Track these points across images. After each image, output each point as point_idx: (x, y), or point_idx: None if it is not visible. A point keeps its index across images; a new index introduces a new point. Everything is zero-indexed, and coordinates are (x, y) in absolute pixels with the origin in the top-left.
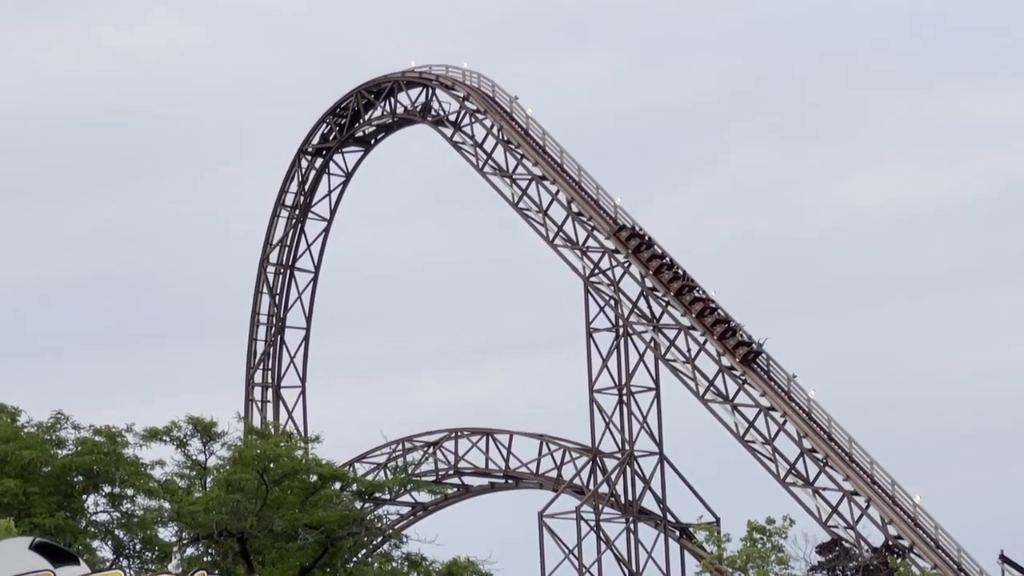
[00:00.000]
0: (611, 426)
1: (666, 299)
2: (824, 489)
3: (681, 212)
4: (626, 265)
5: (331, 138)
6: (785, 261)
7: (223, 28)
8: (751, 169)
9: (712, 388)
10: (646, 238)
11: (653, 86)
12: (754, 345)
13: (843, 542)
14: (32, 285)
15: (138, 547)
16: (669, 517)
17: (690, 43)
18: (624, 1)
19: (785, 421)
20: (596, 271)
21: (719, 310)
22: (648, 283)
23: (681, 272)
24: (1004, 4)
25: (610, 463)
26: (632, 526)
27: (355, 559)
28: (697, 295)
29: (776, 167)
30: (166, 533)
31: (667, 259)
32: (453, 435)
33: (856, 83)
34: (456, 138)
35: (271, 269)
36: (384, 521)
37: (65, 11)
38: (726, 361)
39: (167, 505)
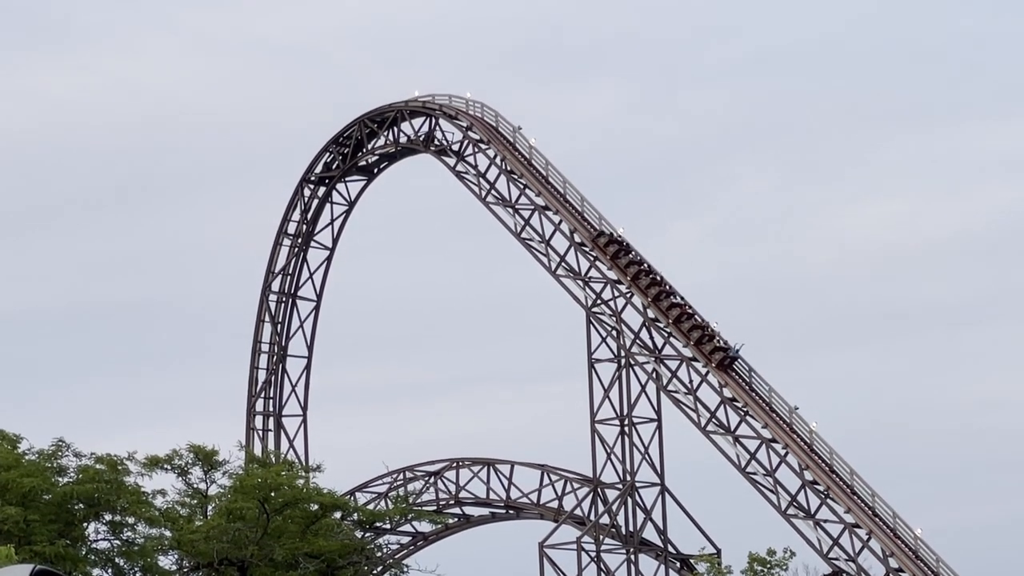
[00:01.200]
0: (612, 457)
1: (668, 330)
2: (825, 521)
3: (684, 243)
4: (628, 296)
5: (334, 167)
6: (787, 292)
7: (227, 57)
8: (754, 201)
9: (714, 419)
10: (624, 243)
11: (657, 118)
12: (731, 351)
13: (844, 574)
14: (35, 313)
15: (139, 575)
16: (670, 548)
17: (694, 76)
18: (629, 34)
19: (787, 453)
20: (598, 302)
21: (696, 316)
22: (650, 314)
23: (659, 279)
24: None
25: (611, 494)
26: (633, 557)
27: None
28: (675, 301)
29: (778, 199)
30: (167, 561)
31: (645, 265)
32: (454, 465)
33: (858, 116)
34: (459, 168)
35: (273, 298)
36: (385, 551)
37: (71, 41)
38: (728, 393)
39: (168, 533)
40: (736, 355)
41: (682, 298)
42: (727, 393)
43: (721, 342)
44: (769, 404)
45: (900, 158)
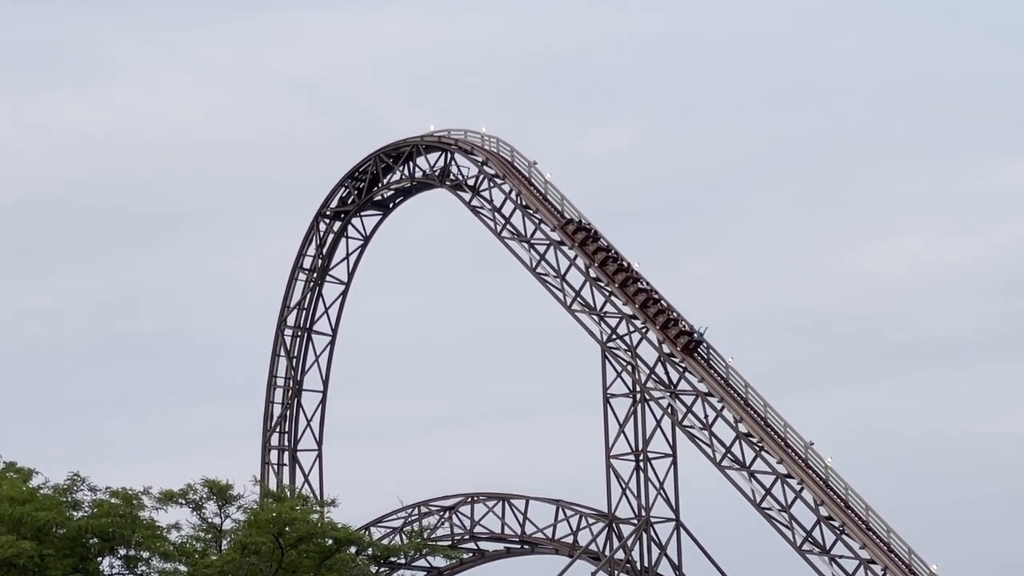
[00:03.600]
0: (627, 492)
1: (683, 365)
2: (841, 557)
3: (700, 278)
4: (643, 331)
5: (349, 201)
6: (802, 327)
7: (241, 91)
8: (769, 236)
9: (729, 455)
10: (596, 237)
11: (672, 153)
12: (695, 334)
13: None
14: (51, 347)
15: None
16: None
17: (711, 111)
18: (646, 69)
19: (802, 488)
20: (613, 336)
21: (662, 300)
22: (666, 349)
23: (626, 265)
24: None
25: (626, 529)
26: None
27: None
28: (641, 286)
29: (793, 234)
30: None
31: (613, 251)
32: (469, 500)
33: (872, 152)
34: (474, 203)
35: (288, 332)
36: None
37: (83, 74)
38: (743, 428)
39: (182, 568)
40: (700, 339)
41: (646, 283)
42: (742, 428)
43: (686, 326)
44: (784, 439)
45: (914, 193)
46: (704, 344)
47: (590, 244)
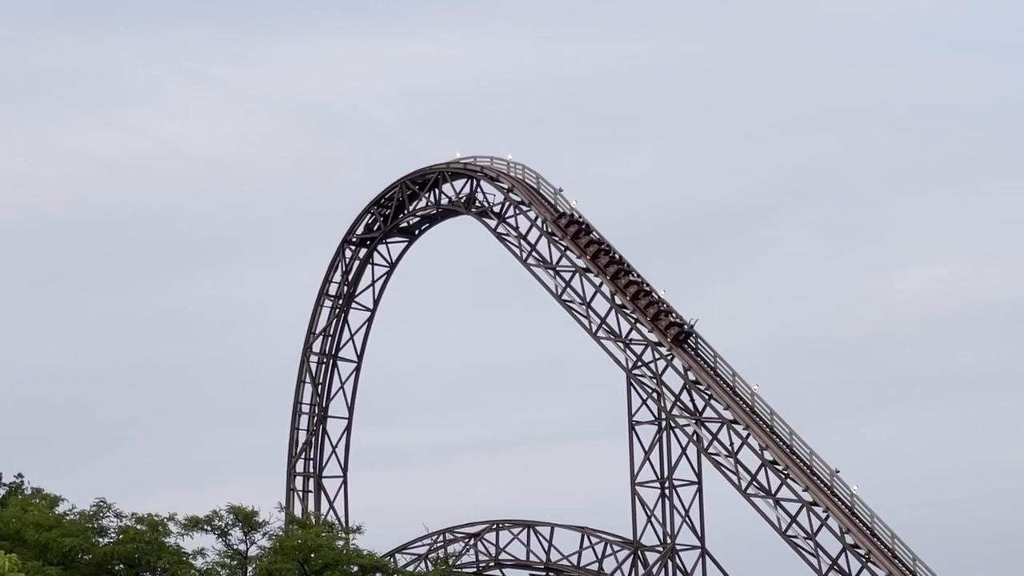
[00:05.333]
0: (653, 519)
1: (708, 392)
2: None
3: (726, 307)
4: (669, 358)
5: (375, 228)
6: (828, 355)
7: (267, 117)
8: (795, 264)
9: (755, 482)
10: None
11: (699, 181)
12: (685, 326)
13: None
14: (77, 373)
15: None
16: None
17: (736, 137)
18: (671, 96)
19: (828, 516)
20: (639, 364)
21: (653, 293)
22: (691, 376)
23: (618, 257)
24: None
25: (652, 556)
26: None
27: None
28: (632, 279)
29: (820, 262)
30: None
31: (634, 274)
32: (494, 527)
33: (899, 180)
34: (500, 229)
35: (314, 358)
36: None
37: (108, 99)
38: (768, 455)
39: None
40: (691, 331)
41: (638, 275)
42: (768, 456)
43: (676, 318)
44: (810, 467)
45: (940, 221)
46: (694, 335)
47: (612, 267)
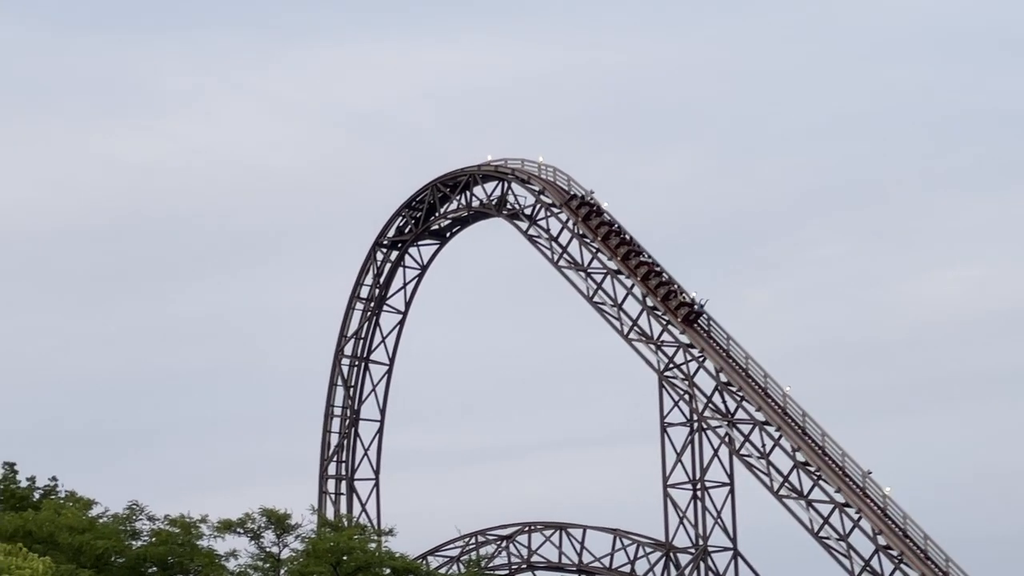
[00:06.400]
0: (685, 521)
1: (740, 394)
2: None
3: (759, 309)
4: (701, 360)
5: (407, 231)
6: (862, 357)
7: (299, 121)
8: (829, 266)
9: (787, 484)
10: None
11: (732, 184)
12: (695, 306)
13: None
14: (111, 377)
15: None
16: None
17: (771, 142)
18: (704, 99)
19: (860, 518)
20: (671, 365)
21: (664, 273)
22: (723, 378)
23: (628, 238)
24: None
25: (684, 558)
26: None
27: None
28: (643, 259)
29: (853, 265)
30: None
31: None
32: (526, 529)
33: (933, 182)
34: (531, 232)
35: (346, 361)
36: None
37: (143, 106)
38: (800, 457)
39: None
40: (701, 310)
41: (648, 255)
42: (800, 457)
43: (687, 298)
44: (842, 468)
45: (973, 224)
46: (704, 315)
47: (643, 268)
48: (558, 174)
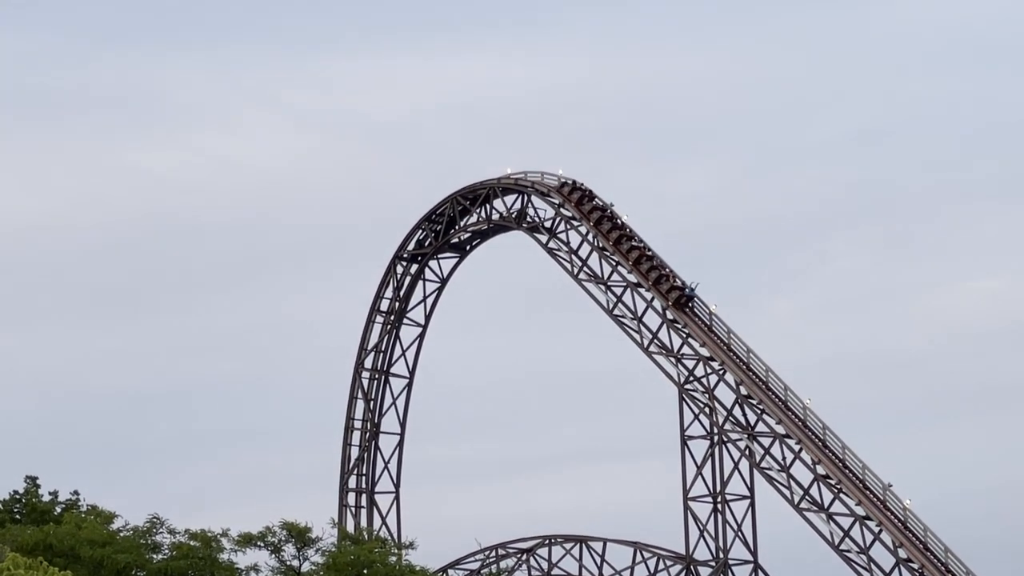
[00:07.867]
0: (705, 534)
1: (761, 406)
2: None
3: (781, 320)
4: (721, 372)
5: (427, 244)
6: (883, 370)
7: (321, 134)
8: (852, 278)
9: (807, 496)
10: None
11: (754, 196)
12: (687, 290)
13: None
14: (132, 390)
15: None
16: None
17: (792, 153)
18: (727, 111)
19: (880, 530)
20: (691, 379)
21: (656, 258)
22: (743, 391)
23: (628, 231)
24: None
25: (704, 571)
26: None
27: None
28: (635, 244)
29: (876, 276)
30: None
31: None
32: (547, 542)
33: (956, 193)
34: (551, 245)
35: (366, 374)
36: None
37: (167, 117)
38: (821, 470)
39: None
40: (692, 294)
41: (641, 240)
42: (820, 470)
43: (678, 282)
44: (863, 481)
45: (995, 236)
46: (695, 299)
47: (654, 272)
48: (577, 186)
